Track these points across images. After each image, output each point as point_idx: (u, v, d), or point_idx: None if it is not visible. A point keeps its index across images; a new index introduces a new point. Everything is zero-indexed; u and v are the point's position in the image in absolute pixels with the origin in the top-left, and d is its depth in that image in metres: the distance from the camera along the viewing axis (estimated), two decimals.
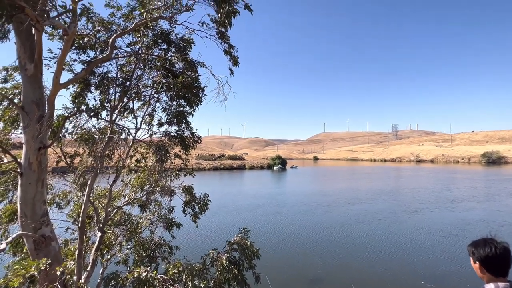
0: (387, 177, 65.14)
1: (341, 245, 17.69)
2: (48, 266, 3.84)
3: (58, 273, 4.24)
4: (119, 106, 6.61)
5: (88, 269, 6.04)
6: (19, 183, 4.66)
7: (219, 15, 5.81)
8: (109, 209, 7.07)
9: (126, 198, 7.77)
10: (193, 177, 8.15)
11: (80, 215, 6.21)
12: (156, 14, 5.86)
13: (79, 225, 6.11)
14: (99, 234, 6.49)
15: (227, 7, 5.66)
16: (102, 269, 6.91)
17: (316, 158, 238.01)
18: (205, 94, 6.82)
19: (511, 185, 45.10)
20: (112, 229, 7.62)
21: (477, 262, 3.00)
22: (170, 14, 5.94)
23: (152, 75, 6.90)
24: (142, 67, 6.75)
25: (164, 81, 6.62)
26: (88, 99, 6.45)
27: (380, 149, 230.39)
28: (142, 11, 5.97)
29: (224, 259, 6.49)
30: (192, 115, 7.03)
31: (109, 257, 7.24)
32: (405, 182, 53.12)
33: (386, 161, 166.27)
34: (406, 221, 23.37)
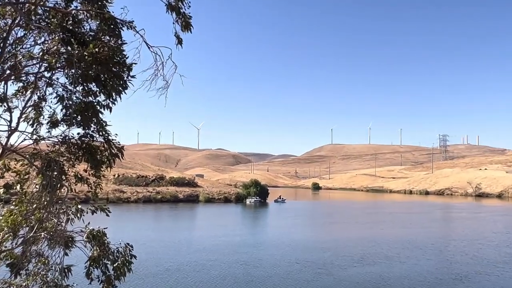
0: (428, 220, 67.18)
1: None
2: None
3: None
4: None
5: None
6: None
7: None
8: None
9: None
10: (108, 215, 7.96)
11: None
12: None
13: None
14: None
15: None
16: None
17: (317, 187, 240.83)
18: (133, 76, 6.77)
19: None
20: None
21: None
22: None
23: (43, 39, 6.74)
24: (24, 24, 6.59)
25: (63, 50, 6.49)
26: None
27: (419, 173, 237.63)
28: None
29: None
30: (110, 110, 6.92)
31: None
32: (456, 230, 54.90)
33: (429, 193, 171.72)
34: None
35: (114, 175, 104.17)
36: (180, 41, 6.55)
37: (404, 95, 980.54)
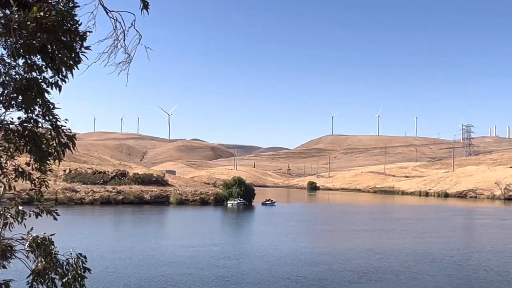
0: (446, 227, 67.94)
1: None
2: None
3: None
4: None
5: None
6: None
7: None
8: None
9: None
10: (55, 219, 7.92)
11: None
12: None
13: None
14: None
15: None
16: None
17: (314, 187, 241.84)
18: (87, 47, 6.70)
19: None
20: None
21: None
22: None
23: None
24: None
25: None
26: None
27: (437, 172, 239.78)
28: None
29: None
30: (60, 89, 6.86)
31: None
32: (480, 240, 55.60)
33: (449, 196, 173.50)
34: None
35: (64, 171, 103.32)
36: (146, 5, 6.51)
37: (420, 77, 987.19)
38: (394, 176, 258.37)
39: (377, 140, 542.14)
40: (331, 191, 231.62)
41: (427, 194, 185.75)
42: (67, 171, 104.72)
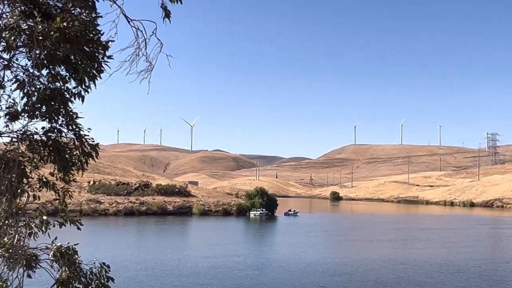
0: (472, 237, 66.84)
1: None
2: None
3: None
4: None
5: None
6: None
7: None
8: None
9: None
10: (79, 228, 7.94)
11: None
12: None
13: None
14: None
15: None
16: None
17: (336, 197, 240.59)
18: (109, 57, 6.72)
19: None
20: None
21: None
22: None
23: (0, 13, 6.72)
24: None
25: (24, 26, 6.47)
26: None
27: (462, 181, 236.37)
28: None
29: None
30: (83, 100, 6.88)
31: None
32: (507, 250, 54.64)
33: (475, 205, 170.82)
34: None
35: (88, 182, 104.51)
36: (167, 14, 6.51)
37: (443, 85, 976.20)
38: (418, 185, 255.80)
39: (400, 149, 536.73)
40: (354, 201, 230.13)
41: (452, 204, 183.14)
42: (91, 182, 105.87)
